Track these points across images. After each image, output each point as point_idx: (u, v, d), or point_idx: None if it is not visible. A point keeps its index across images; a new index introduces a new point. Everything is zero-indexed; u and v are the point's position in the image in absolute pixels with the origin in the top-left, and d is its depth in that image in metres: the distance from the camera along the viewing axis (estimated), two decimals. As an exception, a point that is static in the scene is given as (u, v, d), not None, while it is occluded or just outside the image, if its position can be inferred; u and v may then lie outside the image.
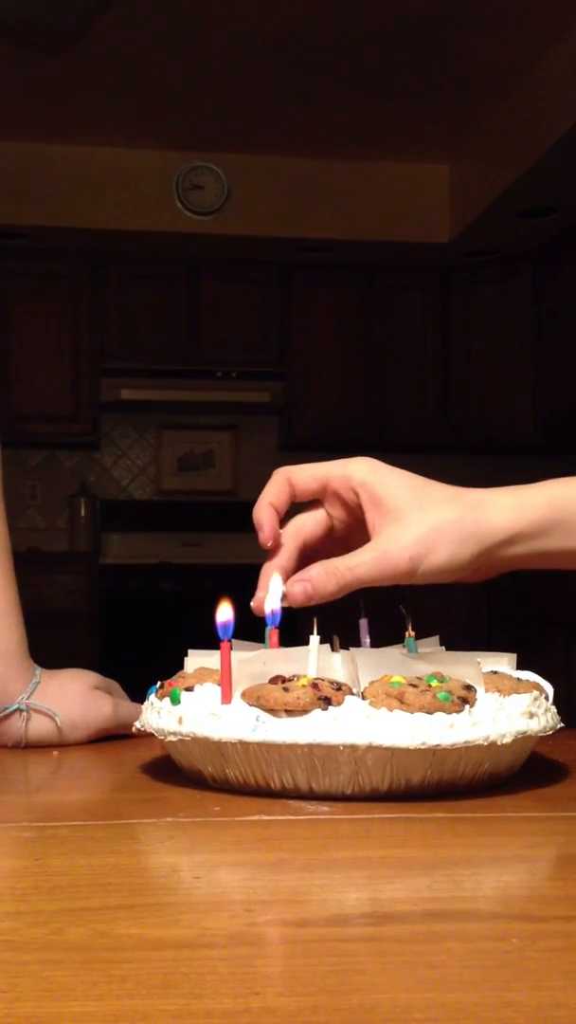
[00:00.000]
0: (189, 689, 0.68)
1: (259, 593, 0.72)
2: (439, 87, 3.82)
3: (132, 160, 4.36)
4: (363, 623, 0.79)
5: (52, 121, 4.11)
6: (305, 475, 0.75)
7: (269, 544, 0.74)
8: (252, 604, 0.72)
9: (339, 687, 0.65)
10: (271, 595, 0.71)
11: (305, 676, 0.66)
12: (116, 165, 4.35)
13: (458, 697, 0.64)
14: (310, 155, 4.41)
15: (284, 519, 0.76)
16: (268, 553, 0.75)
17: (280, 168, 4.43)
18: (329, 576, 0.70)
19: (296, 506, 0.77)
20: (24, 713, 0.83)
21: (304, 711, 0.63)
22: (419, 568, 0.70)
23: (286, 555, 0.74)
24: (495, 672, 0.72)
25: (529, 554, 0.72)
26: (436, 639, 0.78)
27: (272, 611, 0.71)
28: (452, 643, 0.77)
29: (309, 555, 0.75)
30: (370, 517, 0.72)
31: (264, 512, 0.74)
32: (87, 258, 4.55)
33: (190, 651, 0.75)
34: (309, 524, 0.75)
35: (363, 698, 0.65)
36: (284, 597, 0.71)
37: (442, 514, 0.70)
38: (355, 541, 0.73)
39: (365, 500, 0.72)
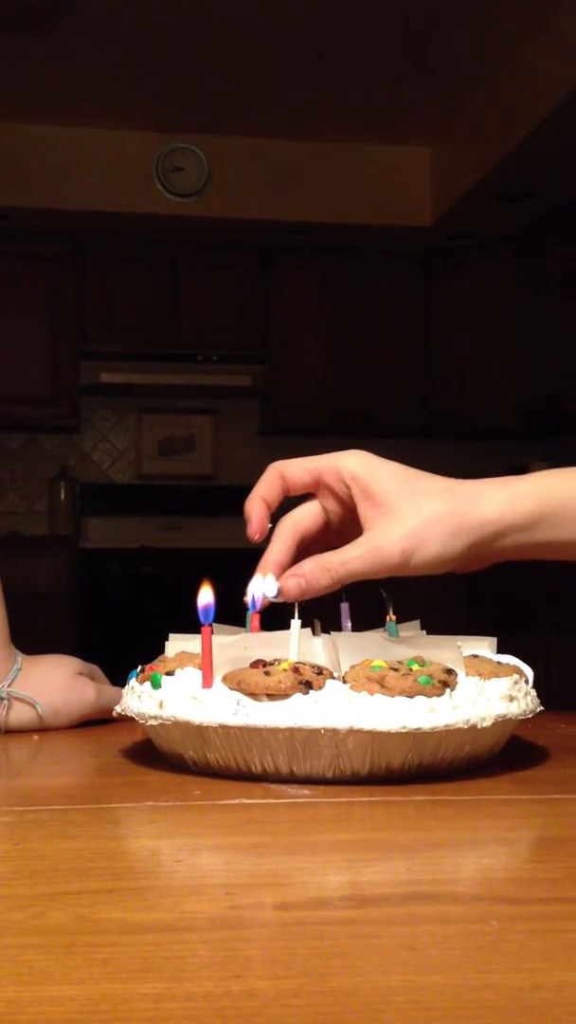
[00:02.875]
0: (170, 673, 0.68)
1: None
2: (422, 69, 3.80)
3: (112, 141, 4.33)
4: (344, 607, 0.79)
5: (32, 101, 4.07)
6: (297, 469, 0.75)
7: (256, 537, 0.74)
8: (245, 603, 0.73)
9: (320, 671, 0.65)
10: (260, 591, 0.71)
11: (286, 660, 0.66)
12: (96, 146, 4.32)
13: (439, 681, 0.65)
14: (291, 137, 4.39)
15: (278, 513, 0.76)
16: (263, 546, 0.75)
17: (261, 150, 4.41)
18: (322, 571, 0.70)
19: (291, 500, 0.77)
20: (5, 701, 0.83)
21: (285, 695, 0.63)
22: (411, 561, 0.70)
23: (282, 549, 0.74)
24: (476, 656, 0.72)
25: (520, 545, 0.73)
26: (417, 623, 0.78)
27: (254, 597, 0.71)
28: (433, 627, 0.78)
29: (307, 547, 0.75)
30: (362, 510, 0.72)
31: (254, 506, 0.75)
32: (67, 240, 4.51)
33: (171, 635, 0.75)
34: (306, 517, 0.76)
35: (344, 682, 0.65)
36: (278, 592, 0.71)
37: (434, 506, 0.71)
38: (352, 533, 0.74)
39: (356, 493, 0.72)
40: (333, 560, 0.71)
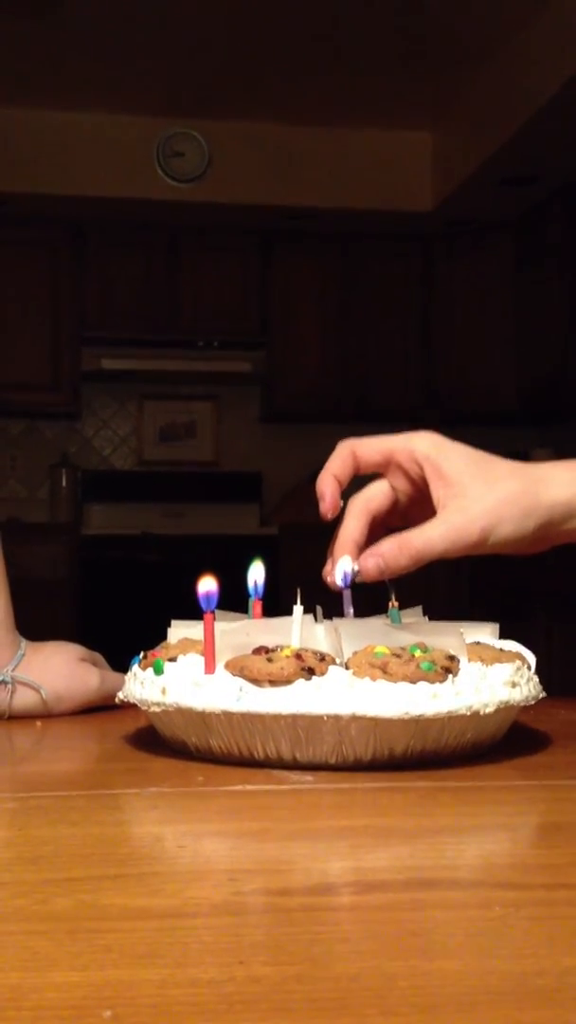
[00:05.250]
0: (172, 660, 0.68)
1: (332, 567, 0.72)
2: (422, 54, 3.78)
3: (112, 126, 4.31)
4: (346, 593, 0.79)
5: (32, 86, 4.05)
6: (369, 448, 0.76)
7: (330, 515, 0.75)
8: (327, 580, 0.73)
9: (322, 657, 0.65)
10: (339, 569, 0.71)
11: (288, 647, 0.66)
12: (96, 131, 4.30)
13: (441, 667, 0.65)
14: (292, 122, 4.37)
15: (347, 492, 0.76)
16: (334, 525, 0.75)
17: (262, 135, 4.39)
18: (402, 550, 0.71)
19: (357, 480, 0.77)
20: (9, 686, 0.83)
21: (287, 681, 0.63)
22: (489, 539, 0.71)
23: (357, 528, 0.74)
24: (478, 642, 0.72)
25: None
26: (419, 609, 0.78)
27: (345, 573, 0.71)
28: (434, 613, 0.77)
29: (373, 528, 0.75)
30: (435, 490, 0.72)
31: (327, 483, 0.75)
32: (67, 225, 4.50)
33: (173, 621, 0.75)
34: (377, 497, 0.76)
35: (346, 668, 0.65)
36: (357, 572, 0.71)
37: (507, 487, 0.71)
38: (416, 514, 0.74)
39: (430, 473, 0.73)
40: (412, 539, 0.71)
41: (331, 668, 0.64)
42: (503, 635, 0.75)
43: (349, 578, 0.71)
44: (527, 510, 0.71)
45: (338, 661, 0.66)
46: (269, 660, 0.64)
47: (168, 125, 4.32)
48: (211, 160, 4.35)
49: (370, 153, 4.47)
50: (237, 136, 4.37)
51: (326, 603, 0.75)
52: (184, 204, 4.38)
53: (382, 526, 0.76)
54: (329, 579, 0.73)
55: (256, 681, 0.64)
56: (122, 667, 0.76)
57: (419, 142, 4.50)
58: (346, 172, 4.43)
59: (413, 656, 0.65)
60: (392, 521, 0.76)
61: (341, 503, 0.75)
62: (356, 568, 0.71)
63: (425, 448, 0.73)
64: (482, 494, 0.71)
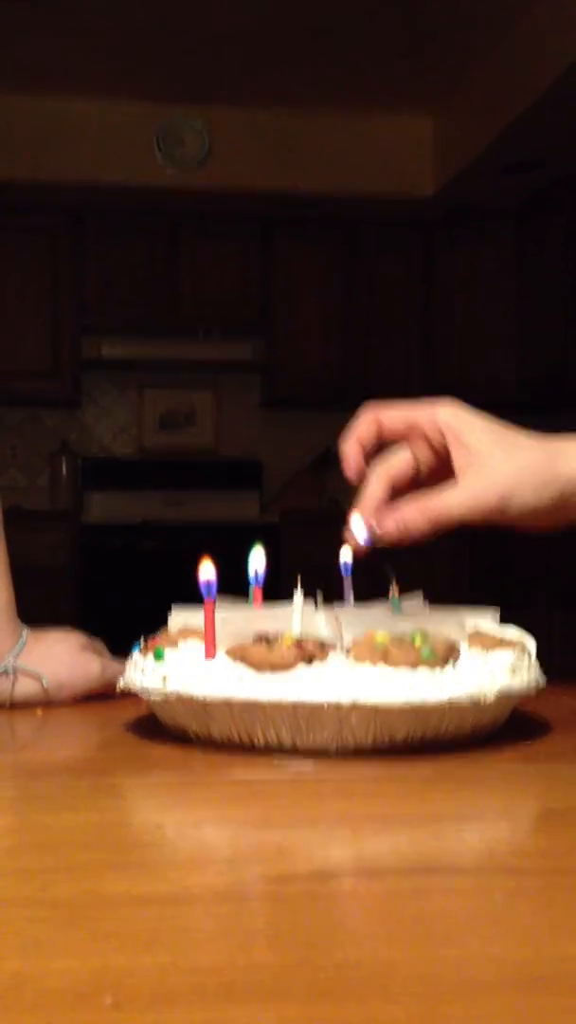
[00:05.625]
0: (173, 647, 0.68)
1: (354, 527, 0.73)
2: (424, 40, 3.76)
3: (112, 112, 4.30)
4: (347, 580, 0.79)
5: (31, 73, 4.04)
6: (394, 415, 0.76)
7: (354, 476, 0.75)
8: (348, 540, 0.73)
9: (323, 645, 0.65)
10: (357, 529, 0.71)
11: (289, 634, 0.66)
12: (96, 117, 4.28)
13: (441, 654, 0.65)
14: (293, 108, 4.35)
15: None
16: (356, 492, 0.75)
17: (263, 121, 4.37)
18: (421, 514, 0.71)
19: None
20: (10, 675, 0.83)
21: (288, 669, 0.63)
22: (507, 506, 0.71)
23: (378, 490, 0.75)
24: (478, 629, 0.72)
25: None
26: (419, 596, 0.78)
27: (367, 532, 0.71)
28: (435, 600, 0.77)
29: (393, 495, 0.76)
30: (456, 457, 0.73)
31: (351, 447, 0.75)
32: (67, 212, 4.48)
33: (174, 608, 0.75)
34: (397, 464, 0.76)
35: (347, 655, 0.65)
36: (377, 537, 0.71)
37: (526, 456, 0.72)
38: (435, 485, 0.74)
39: (451, 441, 0.73)
40: (433, 503, 0.71)
41: (331, 655, 0.64)
42: (503, 621, 0.75)
43: (370, 538, 0.71)
44: (546, 480, 0.71)
45: (338, 648, 0.66)
46: (270, 648, 0.64)
47: (168, 111, 4.30)
48: (211, 146, 4.33)
49: (371, 139, 4.45)
50: (238, 122, 4.35)
51: (327, 590, 0.75)
52: (184, 191, 4.37)
53: (400, 495, 0.76)
54: (352, 540, 0.73)
55: (257, 668, 0.64)
56: (123, 654, 0.76)
57: (421, 128, 4.48)
58: (347, 158, 4.42)
59: (413, 643, 0.65)
60: (409, 492, 0.76)
61: (365, 467, 0.75)
62: (376, 530, 0.71)
63: (447, 417, 0.74)
64: (501, 462, 0.71)
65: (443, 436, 0.74)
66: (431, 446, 0.75)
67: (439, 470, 0.75)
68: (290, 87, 4.17)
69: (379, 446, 0.76)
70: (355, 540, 0.72)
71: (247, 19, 3.64)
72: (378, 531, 0.71)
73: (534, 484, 0.71)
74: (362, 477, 0.75)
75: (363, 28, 3.70)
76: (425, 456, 0.76)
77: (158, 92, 4.22)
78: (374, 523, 0.72)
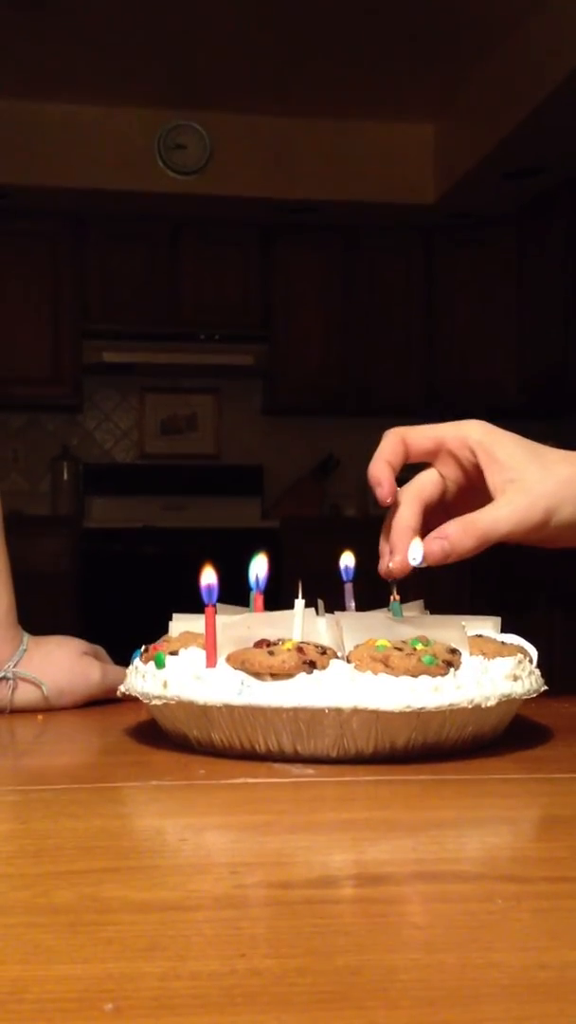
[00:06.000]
0: (174, 653, 0.68)
1: (391, 556, 0.72)
2: (424, 46, 3.77)
3: (113, 118, 4.31)
4: (348, 587, 0.79)
5: (32, 78, 4.04)
6: (420, 436, 0.76)
7: (388, 501, 0.74)
8: (390, 566, 0.72)
9: (324, 651, 0.65)
10: (412, 555, 0.71)
11: (290, 640, 0.66)
12: (97, 123, 4.29)
13: (443, 660, 0.65)
14: (294, 114, 4.35)
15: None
16: (388, 512, 0.75)
17: (264, 127, 4.38)
18: (467, 531, 0.71)
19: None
20: (10, 681, 0.83)
21: (289, 675, 0.63)
22: (552, 520, 0.71)
23: (412, 514, 0.74)
24: (479, 636, 0.72)
25: None
26: (421, 603, 0.78)
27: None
28: (436, 607, 0.77)
29: (425, 517, 0.75)
30: (490, 476, 0.72)
31: (382, 470, 0.74)
32: (67, 218, 4.49)
33: (175, 615, 0.75)
34: (427, 486, 0.76)
35: (348, 662, 0.65)
36: (423, 557, 0.70)
37: (563, 471, 0.72)
38: (463, 504, 0.74)
39: (484, 460, 0.73)
40: (478, 520, 0.71)
41: (332, 661, 0.64)
42: (505, 629, 0.75)
43: (420, 559, 0.71)
44: None
45: (339, 654, 0.66)
46: (271, 653, 0.64)
47: (169, 117, 4.31)
48: (212, 152, 4.34)
49: (372, 146, 4.46)
50: (238, 128, 4.36)
51: (328, 596, 0.75)
52: (185, 196, 4.38)
53: (428, 518, 0.76)
54: (393, 565, 0.72)
55: (258, 674, 0.64)
56: (123, 660, 0.76)
57: (421, 135, 4.49)
58: (348, 165, 4.42)
59: (415, 649, 0.65)
60: (436, 514, 0.76)
61: (397, 489, 0.75)
62: (421, 552, 0.71)
63: (478, 435, 0.74)
64: (541, 477, 0.71)
65: (473, 454, 0.73)
66: (459, 465, 0.75)
67: (467, 489, 0.75)
68: (291, 93, 4.17)
69: (403, 467, 0.76)
70: (398, 565, 0.71)
71: (248, 26, 3.65)
72: (420, 554, 0.71)
73: (575, 498, 0.71)
74: (394, 499, 0.74)
75: (364, 35, 3.71)
76: (453, 475, 0.76)
77: (159, 98, 4.23)
78: (419, 544, 0.71)
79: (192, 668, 0.66)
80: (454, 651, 0.66)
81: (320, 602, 0.73)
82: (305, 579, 0.71)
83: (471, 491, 0.75)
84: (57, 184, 4.26)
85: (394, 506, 0.74)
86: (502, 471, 0.72)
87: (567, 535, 0.73)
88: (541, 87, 3.53)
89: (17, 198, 4.33)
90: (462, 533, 0.71)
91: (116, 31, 3.69)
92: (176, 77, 4.06)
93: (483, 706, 0.65)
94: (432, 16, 3.57)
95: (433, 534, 0.71)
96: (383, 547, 0.74)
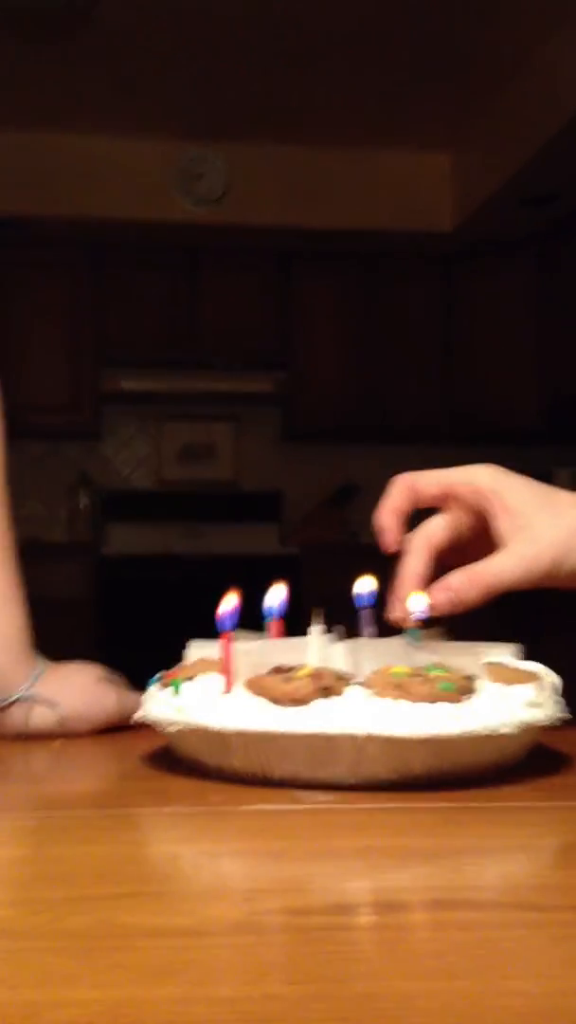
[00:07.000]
0: (190, 679, 0.68)
1: (398, 604, 0.72)
2: (441, 75, 3.80)
3: (132, 149, 4.35)
4: (365, 613, 0.79)
5: (52, 109, 4.10)
6: (429, 481, 0.75)
7: (392, 549, 0.74)
8: (395, 615, 0.72)
9: (340, 677, 0.65)
10: (415, 608, 0.71)
11: (306, 666, 0.66)
12: (116, 154, 4.34)
13: (460, 687, 0.64)
14: (311, 144, 4.39)
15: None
16: (399, 560, 0.75)
17: (281, 157, 4.42)
18: (472, 582, 0.70)
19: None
20: (26, 703, 0.83)
21: (305, 701, 0.63)
22: (561, 569, 0.71)
23: (421, 563, 0.74)
24: (499, 663, 0.72)
25: None
26: (440, 630, 0.77)
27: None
28: (456, 634, 0.77)
29: (434, 564, 0.75)
30: (499, 523, 0.72)
31: (387, 518, 0.75)
32: (87, 248, 4.54)
33: (191, 642, 0.75)
34: (437, 533, 0.75)
35: (365, 688, 0.64)
36: (428, 607, 0.71)
37: (574, 517, 0.71)
38: (475, 550, 0.74)
39: (493, 506, 0.72)
40: (484, 571, 0.70)
41: (349, 688, 0.64)
42: (530, 656, 0.75)
43: (424, 613, 0.71)
44: None
45: (356, 681, 0.66)
46: (287, 680, 0.64)
47: (188, 147, 4.36)
48: (231, 182, 4.38)
49: (389, 174, 4.49)
50: (257, 158, 4.40)
51: (347, 623, 0.75)
52: (204, 226, 4.41)
53: (442, 563, 0.75)
54: (396, 615, 0.72)
55: (274, 701, 0.64)
56: (141, 687, 0.76)
57: (438, 163, 4.51)
58: (365, 193, 4.45)
59: (432, 676, 0.65)
60: (450, 558, 0.76)
61: (403, 537, 0.74)
62: (426, 604, 0.71)
63: (488, 481, 0.73)
64: (550, 525, 0.71)
65: (482, 500, 0.73)
66: (469, 511, 0.75)
67: (479, 534, 0.75)
68: (309, 123, 4.21)
69: (413, 512, 0.76)
70: (401, 616, 0.72)
71: (266, 57, 3.69)
72: (424, 607, 0.71)
73: None
74: (400, 548, 0.74)
75: (381, 65, 3.74)
76: (463, 521, 0.75)
77: (177, 129, 4.27)
78: (414, 602, 0.71)
79: (208, 694, 0.66)
80: (471, 678, 0.66)
81: (341, 628, 0.73)
82: (324, 606, 0.71)
83: (483, 535, 0.74)
84: (76, 214, 4.30)
85: (402, 554, 0.74)
86: (511, 518, 0.71)
87: None
88: (557, 115, 3.55)
89: (37, 228, 4.37)
90: (468, 585, 0.70)
91: (135, 62, 3.74)
92: (194, 107, 4.11)
93: (501, 733, 0.64)
94: (448, 45, 3.60)
95: (438, 585, 0.71)
96: (390, 596, 0.74)
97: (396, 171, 4.49)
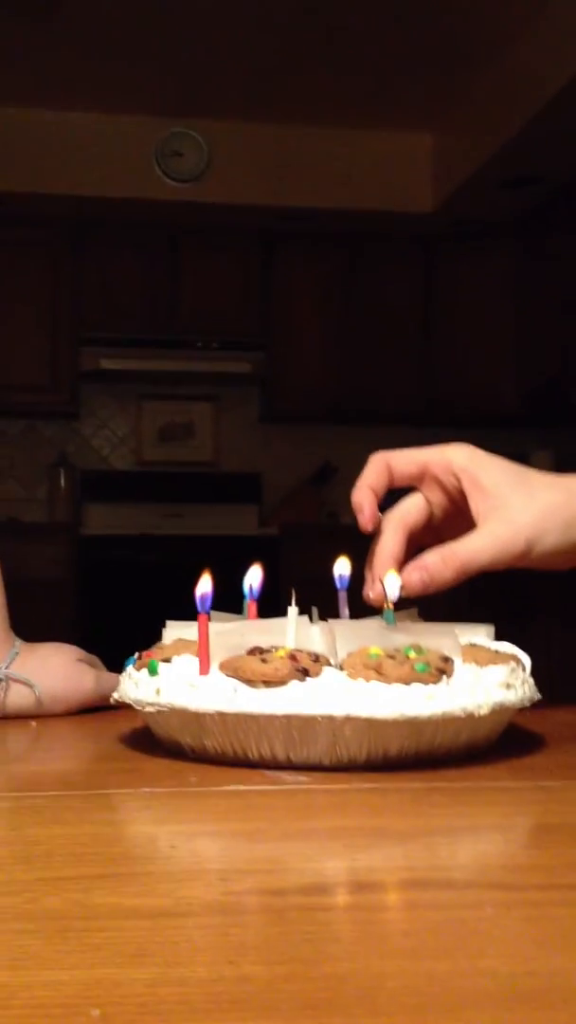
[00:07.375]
0: (167, 660, 0.68)
1: (373, 584, 0.72)
2: (423, 54, 3.79)
3: (111, 126, 4.32)
4: (342, 595, 0.79)
5: (30, 86, 4.06)
6: (404, 460, 0.75)
7: (369, 527, 0.74)
8: (370, 596, 0.72)
9: (317, 658, 0.65)
10: (389, 588, 0.71)
11: (283, 647, 0.66)
12: (95, 131, 4.30)
13: (436, 668, 0.65)
14: (292, 123, 4.37)
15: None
16: (372, 539, 0.74)
17: (262, 135, 4.40)
18: (446, 562, 0.70)
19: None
20: (3, 683, 0.83)
21: (282, 682, 0.63)
22: (534, 550, 0.70)
23: (395, 542, 0.74)
24: (473, 644, 0.72)
25: None
26: (415, 611, 0.78)
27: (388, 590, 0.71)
28: (431, 615, 0.77)
29: (410, 543, 0.75)
30: (474, 503, 0.72)
31: (364, 495, 0.74)
32: (65, 225, 4.50)
33: (168, 622, 0.75)
34: (412, 512, 0.75)
35: (341, 669, 0.65)
36: (401, 587, 0.70)
37: (548, 498, 0.71)
38: (450, 529, 0.74)
39: (468, 485, 0.72)
40: (458, 551, 0.70)
41: (325, 669, 0.64)
42: (502, 638, 0.75)
43: (396, 593, 0.71)
44: (568, 521, 0.71)
45: (332, 662, 0.66)
46: (264, 661, 0.64)
47: (167, 125, 4.32)
48: (210, 160, 4.35)
49: (370, 154, 4.47)
50: (237, 136, 4.37)
51: (325, 604, 0.75)
52: (183, 204, 4.39)
53: (417, 542, 0.75)
54: (372, 595, 0.72)
55: (250, 682, 0.64)
56: (119, 668, 0.76)
57: (420, 143, 4.50)
58: (346, 173, 4.44)
59: (408, 657, 0.65)
60: (425, 537, 0.75)
61: (379, 515, 0.74)
62: (399, 583, 0.71)
63: (462, 460, 0.73)
64: (524, 505, 0.70)
65: (457, 479, 0.73)
66: (444, 490, 0.74)
67: (454, 513, 0.75)
68: (289, 102, 4.19)
69: (389, 492, 0.76)
70: (375, 595, 0.72)
71: (246, 34, 3.66)
72: (401, 583, 0.70)
73: (559, 526, 0.70)
74: (377, 526, 0.74)
75: (362, 44, 3.72)
76: (438, 500, 0.75)
77: (157, 106, 4.24)
78: (396, 577, 0.71)
79: (185, 675, 0.66)
80: (447, 659, 0.66)
81: (315, 610, 0.73)
82: (302, 587, 0.71)
83: (458, 514, 0.74)
84: (55, 191, 4.27)
85: (377, 532, 0.74)
86: (485, 498, 0.71)
87: (552, 561, 0.72)
88: (539, 96, 3.54)
89: (15, 205, 4.34)
90: (441, 564, 0.70)
91: (114, 39, 3.70)
92: (174, 85, 4.07)
93: (476, 714, 0.65)
94: (430, 25, 3.58)
95: (412, 564, 0.71)
96: (367, 574, 0.74)
97: (377, 151, 4.47)
